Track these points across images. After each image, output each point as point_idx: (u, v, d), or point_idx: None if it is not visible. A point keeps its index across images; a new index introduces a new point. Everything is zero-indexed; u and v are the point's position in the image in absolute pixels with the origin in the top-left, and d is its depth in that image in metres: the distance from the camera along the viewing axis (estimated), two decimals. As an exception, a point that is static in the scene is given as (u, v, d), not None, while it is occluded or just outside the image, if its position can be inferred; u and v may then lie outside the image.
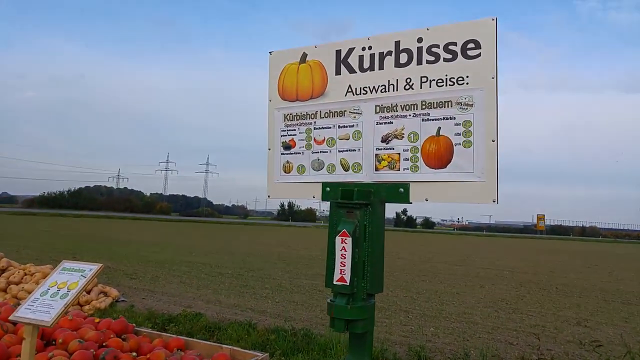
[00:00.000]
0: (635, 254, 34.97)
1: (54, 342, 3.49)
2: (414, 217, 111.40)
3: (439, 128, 2.25)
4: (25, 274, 7.47)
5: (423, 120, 2.29)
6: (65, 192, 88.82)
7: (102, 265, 2.55)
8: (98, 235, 24.01)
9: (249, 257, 16.75)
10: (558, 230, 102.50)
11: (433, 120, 2.27)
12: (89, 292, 7.24)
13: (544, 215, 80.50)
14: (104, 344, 3.59)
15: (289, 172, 2.80)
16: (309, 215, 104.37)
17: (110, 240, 20.96)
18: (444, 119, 2.25)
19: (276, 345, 5.31)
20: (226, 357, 3.67)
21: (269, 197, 2.88)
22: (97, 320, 4.08)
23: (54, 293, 2.39)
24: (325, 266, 2.49)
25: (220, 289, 9.38)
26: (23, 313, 2.30)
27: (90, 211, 72.48)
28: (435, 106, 2.27)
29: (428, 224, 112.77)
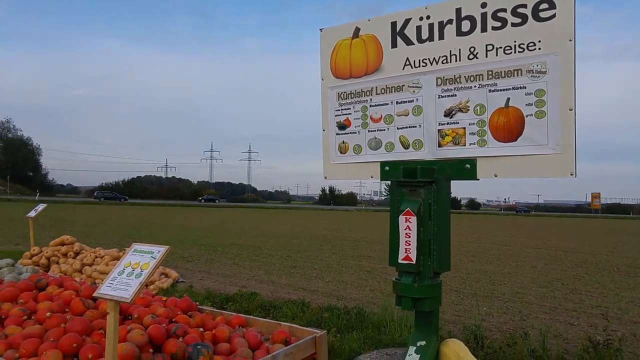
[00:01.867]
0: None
1: (130, 317, 3.71)
2: (458, 199, 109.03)
3: (508, 99, 2.14)
4: (96, 257, 7.94)
5: (490, 91, 2.18)
6: (120, 182, 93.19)
7: (169, 247, 2.65)
8: (153, 221, 25.07)
9: (295, 239, 16.99)
10: (615, 209, 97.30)
11: (501, 90, 2.16)
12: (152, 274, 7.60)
13: (599, 193, 76.45)
14: (173, 320, 3.78)
15: (345, 153, 2.76)
16: (350, 199, 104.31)
17: (164, 226, 21.84)
18: (513, 88, 2.13)
19: (330, 323, 5.39)
20: (285, 334, 3.77)
21: (325, 178, 2.86)
22: (164, 298, 4.28)
23: (129, 273, 2.51)
24: (379, 247, 2.48)
25: (271, 269, 9.60)
26: (105, 290, 2.44)
27: (143, 199, 75.71)
28: (503, 76, 2.16)
29: (473, 205, 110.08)
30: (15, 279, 5.48)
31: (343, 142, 2.75)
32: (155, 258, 2.56)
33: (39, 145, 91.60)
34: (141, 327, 3.44)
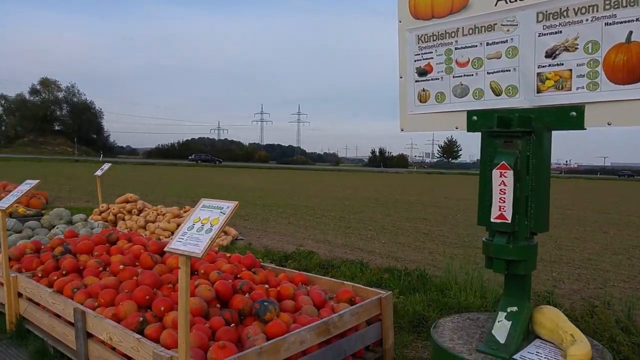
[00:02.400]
0: None
1: (196, 272, 3.76)
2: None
3: (630, 33, 1.80)
4: (158, 214, 8.22)
5: (607, 24, 1.85)
6: (176, 144, 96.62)
7: (237, 203, 2.57)
8: (208, 182, 25.84)
9: (347, 200, 16.95)
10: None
11: (621, 23, 1.82)
12: (210, 231, 7.80)
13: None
14: (237, 276, 3.80)
15: (425, 102, 2.50)
16: (401, 161, 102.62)
17: (219, 186, 22.45)
18: (637, 20, 1.80)
19: (391, 284, 5.29)
20: (350, 293, 3.69)
21: (402, 130, 2.64)
22: (228, 255, 4.32)
23: (199, 228, 2.47)
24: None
25: (326, 230, 9.61)
26: (176, 245, 2.42)
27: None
28: (624, 5, 1.82)
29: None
30: (89, 233, 5.75)
31: (423, 90, 2.49)
32: (224, 214, 2.49)
33: (101, 109, 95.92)
34: (208, 283, 3.48)
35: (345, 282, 4.02)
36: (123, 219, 8.61)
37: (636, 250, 8.55)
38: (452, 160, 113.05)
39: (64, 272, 3.79)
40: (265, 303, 3.14)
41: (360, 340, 3.47)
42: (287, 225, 10.04)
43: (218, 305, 3.30)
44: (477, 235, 9.56)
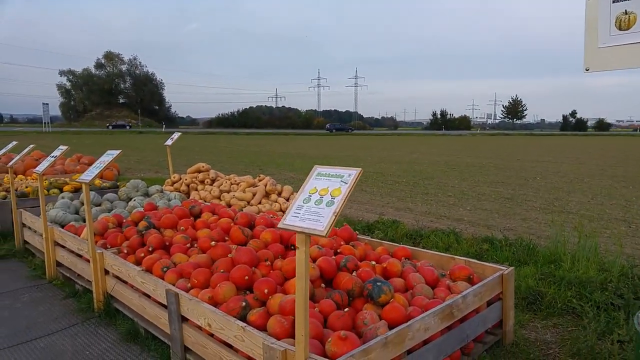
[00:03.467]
0: None
1: (292, 247, 3.42)
2: (585, 119, 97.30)
3: None
4: (232, 184, 8.05)
5: None
6: (235, 113, 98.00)
7: (361, 169, 2.13)
8: (271, 150, 25.86)
9: (416, 165, 16.22)
10: None
11: None
12: (287, 199, 7.52)
13: None
14: (338, 251, 3.41)
15: (627, 28, 1.82)
16: (464, 122, 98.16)
17: (283, 154, 22.34)
18: None
19: (494, 256, 4.74)
20: (468, 270, 3.20)
21: (587, 70, 1.99)
22: (320, 228, 3.95)
23: (317, 200, 2.05)
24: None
25: (403, 196, 9.08)
26: (291, 221, 2.03)
27: (257, 129, 79.33)
28: None
29: (602, 126, 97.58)
30: (166, 205, 5.59)
31: (625, 13, 1.82)
32: (346, 183, 2.06)
33: (162, 80, 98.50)
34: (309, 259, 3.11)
35: (456, 256, 3.53)
36: (196, 189, 8.52)
37: None
38: (516, 121, 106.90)
39: (150, 249, 3.57)
40: (379, 283, 2.73)
41: (482, 323, 3.01)
42: (361, 192, 9.60)
43: (323, 285, 2.94)
44: (566, 200, 8.68)
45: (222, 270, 2.94)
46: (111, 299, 3.74)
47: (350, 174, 2.12)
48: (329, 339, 2.23)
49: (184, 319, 2.87)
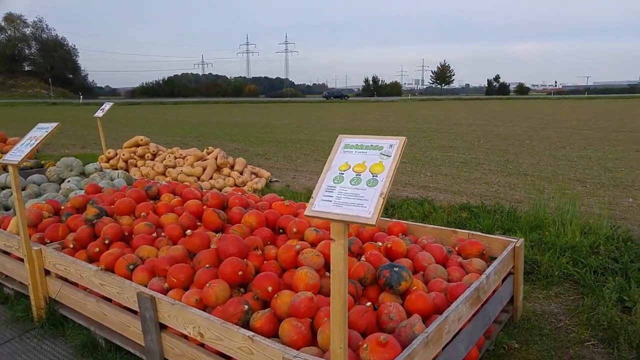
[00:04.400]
0: None
1: (281, 230, 2.96)
2: (507, 84, 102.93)
3: None
4: (176, 158, 7.30)
5: None
6: (160, 81, 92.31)
7: (405, 138, 1.71)
8: (205, 120, 24.53)
9: (360, 132, 16.03)
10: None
11: None
12: (242, 173, 6.94)
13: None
14: (332, 233, 3.00)
15: None
16: (395, 89, 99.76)
17: (220, 123, 21.24)
18: None
19: (477, 224, 4.58)
20: (480, 245, 2.93)
21: None
22: (306, 204, 3.50)
23: (354, 179, 1.62)
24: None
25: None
26: (324, 207, 1.58)
27: (185, 98, 75.53)
28: None
29: (522, 90, 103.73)
30: (110, 185, 4.85)
31: None
32: (389, 155, 1.64)
33: (75, 46, 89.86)
34: (307, 245, 2.68)
35: (457, 229, 3.25)
36: (135, 165, 7.68)
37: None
38: (445, 86, 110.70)
39: (106, 242, 2.96)
40: (396, 269, 2.37)
41: (499, 302, 2.78)
42: (316, 162, 9.19)
43: (328, 274, 2.54)
44: (516, 162, 8.86)
45: (207, 265, 2.44)
46: (56, 304, 3.09)
47: (392, 144, 1.69)
48: (364, 345, 1.84)
49: (162, 327, 2.36)
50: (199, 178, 6.77)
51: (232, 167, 7.11)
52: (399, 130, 16.62)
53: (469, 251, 2.89)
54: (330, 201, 1.61)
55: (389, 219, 3.46)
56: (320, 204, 1.62)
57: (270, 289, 2.21)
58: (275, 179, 7.29)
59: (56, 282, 3.04)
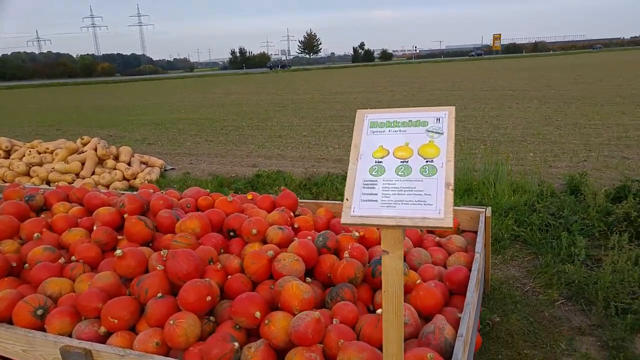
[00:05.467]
0: (600, 62, 35.14)
1: (233, 233, 2.42)
2: (372, 51, 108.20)
3: None
4: (40, 153, 6.01)
5: None
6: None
7: (453, 107, 1.35)
8: (57, 104, 21.30)
9: (243, 107, 15.34)
10: (512, 49, 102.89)
11: None
12: (129, 164, 5.97)
13: (500, 34, 79.20)
14: (294, 225, 2.56)
15: None
16: (264, 60, 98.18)
17: (77, 107, 18.62)
18: None
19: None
20: (456, 220, 2.74)
21: None
22: (249, 196, 2.97)
23: (400, 168, 1.22)
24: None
25: (261, 142, 8.24)
26: (370, 210, 1.17)
27: (22, 81, 65.20)
28: None
29: (386, 56, 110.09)
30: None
31: None
32: (441, 132, 1.27)
33: None
34: (275, 248, 2.21)
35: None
36: (-14, 167, 6.19)
37: (555, 120, 8.89)
38: (312, 56, 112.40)
39: (-11, 279, 2.15)
40: (392, 264, 2.04)
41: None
42: (209, 144, 8.40)
43: (309, 280, 2.12)
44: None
45: (160, 294, 1.85)
46: None
47: (439, 116, 1.32)
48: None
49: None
50: (78, 175, 5.68)
51: (116, 158, 6.09)
52: (283, 102, 16.23)
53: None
54: (376, 200, 1.20)
55: (337, 202, 3.12)
56: (362, 206, 1.20)
57: (258, 314, 1.72)
58: (170, 167, 6.46)
59: None
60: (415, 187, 1.19)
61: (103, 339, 1.82)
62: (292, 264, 2.02)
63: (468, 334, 1.73)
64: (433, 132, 1.28)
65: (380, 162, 1.26)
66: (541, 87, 15.79)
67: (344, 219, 1.21)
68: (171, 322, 1.70)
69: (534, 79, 19.67)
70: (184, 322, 1.70)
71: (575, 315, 2.59)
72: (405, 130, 1.30)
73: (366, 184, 1.23)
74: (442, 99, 13.86)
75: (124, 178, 5.76)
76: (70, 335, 1.86)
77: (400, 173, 1.22)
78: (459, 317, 1.82)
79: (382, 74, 35.59)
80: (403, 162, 1.24)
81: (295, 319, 1.67)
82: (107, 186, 5.54)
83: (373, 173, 1.24)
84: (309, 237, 2.31)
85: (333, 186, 4.87)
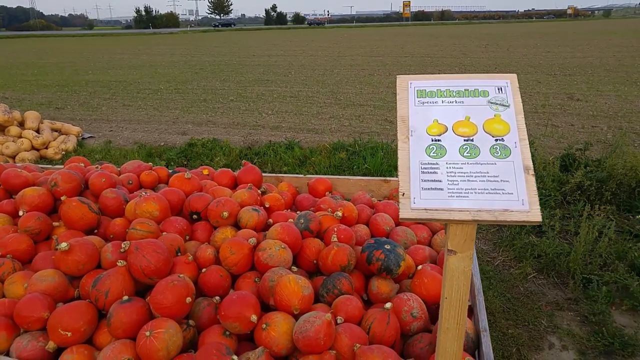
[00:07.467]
0: (500, 32, 37.25)
1: (196, 215, 2.08)
2: (285, 13, 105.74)
3: None
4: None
5: None
6: None
7: (515, 75, 1.15)
8: None
9: (158, 69, 14.18)
10: (420, 17, 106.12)
11: None
12: (38, 131, 5.16)
13: (409, 1, 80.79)
14: (265, 205, 2.27)
15: None
16: (172, 20, 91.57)
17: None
18: None
19: (362, 165, 4.30)
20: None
21: None
22: (205, 172, 2.60)
23: (464, 147, 1.01)
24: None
25: (185, 107, 7.61)
26: (435, 202, 0.96)
27: None
28: None
29: (299, 19, 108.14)
30: None
31: None
32: (506, 105, 1.08)
33: None
34: (254, 234, 1.92)
35: (388, 178, 2.88)
36: None
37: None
38: (223, 17, 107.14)
39: None
40: (388, 246, 1.86)
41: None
42: (127, 108, 7.58)
43: (295, 268, 1.87)
44: (342, 92, 8.97)
45: (126, 298, 1.51)
46: None
47: (500, 85, 1.12)
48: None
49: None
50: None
51: (21, 125, 5.24)
52: (200, 64, 15.24)
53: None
54: (442, 189, 0.98)
55: (311, 177, 2.86)
56: (425, 196, 0.97)
57: (254, 317, 1.46)
58: (89, 135, 5.72)
59: None
60: (488, 172, 0.99)
61: (52, 357, 1.45)
62: (280, 253, 1.76)
63: (486, 325, 1.61)
64: (497, 104, 1.07)
65: (439, 139, 1.03)
66: (457, 55, 16.34)
67: (403, 213, 0.97)
68: (147, 333, 1.38)
69: (448, 47, 20.35)
70: (164, 332, 1.39)
71: (549, 289, 2.62)
72: (462, 102, 1.08)
73: (424, 170, 1.00)
74: (365, 65, 13.79)
75: (33, 147, 4.98)
76: (7, 354, 1.47)
77: (467, 154, 1.01)
78: (468, 305, 1.70)
79: (296, 37, 34.93)
80: (467, 140, 1.03)
81: (301, 322, 1.43)
82: (13, 157, 4.75)
83: (432, 154, 1.02)
84: (291, 220, 2.04)
85: (277, 156, 4.58)
